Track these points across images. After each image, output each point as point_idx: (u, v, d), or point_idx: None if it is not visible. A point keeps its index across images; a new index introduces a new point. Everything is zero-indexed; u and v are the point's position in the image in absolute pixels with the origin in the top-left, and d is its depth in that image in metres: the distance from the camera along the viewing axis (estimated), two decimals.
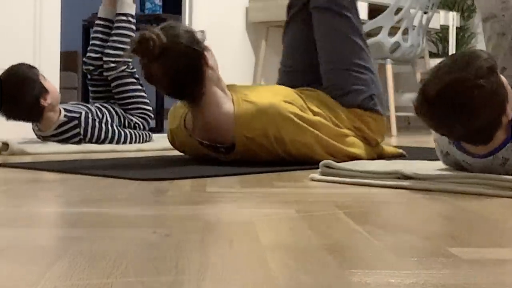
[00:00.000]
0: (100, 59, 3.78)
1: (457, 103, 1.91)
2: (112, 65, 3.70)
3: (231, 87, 2.70)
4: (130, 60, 3.73)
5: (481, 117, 1.92)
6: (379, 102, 2.89)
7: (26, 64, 3.40)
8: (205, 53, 2.54)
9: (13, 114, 3.32)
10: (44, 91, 3.32)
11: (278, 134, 2.56)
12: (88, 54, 3.83)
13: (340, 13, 2.89)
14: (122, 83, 3.70)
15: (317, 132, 2.62)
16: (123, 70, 3.70)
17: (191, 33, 2.53)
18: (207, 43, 2.58)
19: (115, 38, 3.76)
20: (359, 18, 2.95)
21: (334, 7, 2.89)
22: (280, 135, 2.56)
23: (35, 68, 3.41)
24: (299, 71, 3.00)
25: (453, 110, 1.92)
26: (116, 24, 3.81)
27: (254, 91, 2.70)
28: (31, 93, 3.29)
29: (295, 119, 2.58)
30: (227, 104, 2.60)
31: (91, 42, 3.87)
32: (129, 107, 3.70)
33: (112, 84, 3.72)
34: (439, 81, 1.93)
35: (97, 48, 3.82)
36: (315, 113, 2.70)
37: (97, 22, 3.91)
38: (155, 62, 2.47)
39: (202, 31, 2.57)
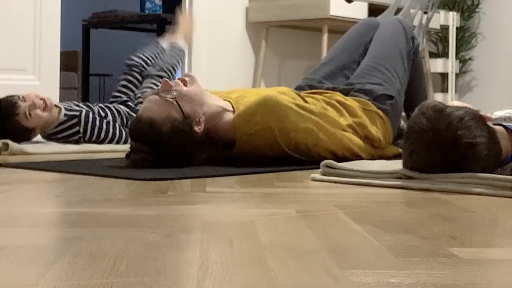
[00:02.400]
0: (144, 61, 3.87)
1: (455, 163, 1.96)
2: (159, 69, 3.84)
3: (228, 97, 2.70)
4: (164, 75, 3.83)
5: (483, 160, 1.95)
6: (394, 111, 2.94)
7: (6, 104, 3.36)
8: (193, 124, 2.50)
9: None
10: (29, 133, 3.37)
11: (281, 125, 2.56)
12: (141, 56, 3.93)
13: (407, 36, 3.15)
14: (151, 82, 3.76)
15: (317, 118, 2.63)
16: (158, 75, 3.80)
17: (175, 134, 2.46)
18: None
19: (170, 57, 3.95)
20: (415, 56, 3.20)
21: (405, 27, 3.17)
22: (283, 124, 2.56)
23: (15, 105, 3.36)
24: (337, 67, 3.16)
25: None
26: (171, 52, 3.98)
27: (251, 93, 2.71)
28: (17, 138, 3.32)
29: (295, 107, 2.59)
30: (227, 115, 2.61)
31: (148, 53, 3.98)
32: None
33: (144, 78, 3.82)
34: (430, 157, 1.99)
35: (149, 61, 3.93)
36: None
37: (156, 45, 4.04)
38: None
39: (172, 96, 2.51)
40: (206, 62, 5.17)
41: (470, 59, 6.36)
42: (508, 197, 1.85)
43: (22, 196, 1.81)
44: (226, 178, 2.25)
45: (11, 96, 3.41)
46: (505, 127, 2.09)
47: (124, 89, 3.84)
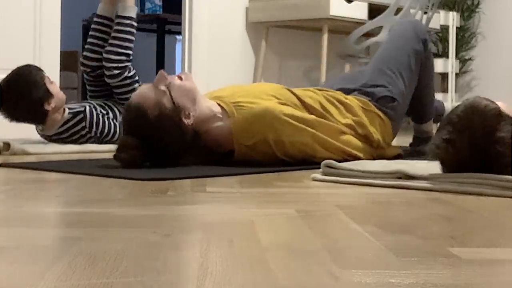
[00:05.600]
0: (98, 59, 3.73)
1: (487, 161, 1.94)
2: (116, 71, 3.63)
3: (220, 98, 2.69)
4: (129, 64, 3.69)
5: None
6: (397, 113, 2.95)
7: (33, 66, 3.42)
8: (182, 116, 2.50)
9: (16, 116, 3.35)
10: (48, 95, 3.35)
11: (277, 138, 2.56)
12: (85, 54, 3.77)
13: (418, 38, 3.11)
14: (125, 91, 3.65)
15: (313, 130, 2.63)
16: (125, 78, 3.65)
17: (164, 117, 2.46)
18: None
19: (117, 42, 3.67)
20: (426, 59, 3.16)
21: (416, 29, 3.13)
22: (280, 138, 2.57)
23: (41, 70, 3.41)
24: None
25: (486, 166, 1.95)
26: (118, 27, 3.71)
27: (246, 95, 2.68)
28: (36, 97, 3.32)
29: (291, 120, 2.58)
30: (221, 122, 2.59)
31: (88, 41, 3.78)
32: None
33: (116, 91, 3.68)
34: (459, 158, 1.97)
35: (96, 48, 3.75)
36: (309, 108, 2.72)
37: (96, 20, 3.83)
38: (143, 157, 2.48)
39: (167, 83, 2.52)
40: (206, 62, 5.17)
41: (470, 59, 6.37)
42: (508, 197, 1.85)
43: (22, 196, 1.81)
44: (226, 178, 2.25)
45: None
46: None
47: (92, 89, 3.81)
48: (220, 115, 2.61)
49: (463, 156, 1.97)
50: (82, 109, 3.49)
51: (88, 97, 3.86)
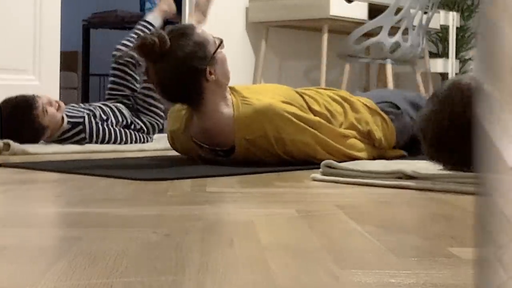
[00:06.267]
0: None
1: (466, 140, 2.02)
2: None
3: (231, 90, 2.71)
4: None
5: None
6: (400, 123, 2.95)
7: (24, 102, 3.35)
8: (209, 68, 2.56)
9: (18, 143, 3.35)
10: (42, 130, 3.35)
11: (277, 135, 2.57)
12: (123, 42, 3.87)
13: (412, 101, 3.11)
14: (148, 94, 3.71)
15: (315, 131, 2.63)
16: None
17: (199, 47, 2.55)
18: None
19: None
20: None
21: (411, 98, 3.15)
22: (280, 135, 2.57)
23: (34, 102, 3.34)
24: None
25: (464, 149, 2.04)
26: (136, 31, 3.93)
27: (254, 92, 2.71)
28: (30, 137, 3.32)
29: (294, 119, 2.59)
30: (227, 109, 2.61)
31: (130, 35, 3.93)
32: (144, 112, 3.73)
33: (140, 90, 3.76)
34: (438, 128, 2.12)
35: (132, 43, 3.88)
36: (315, 113, 2.72)
37: (142, 23, 3.99)
38: (153, 65, 2.51)
39: (220, 40, 2.62)
40: None
41: (470, 59, 6.37)
42: None
43: (22, 196, 1.81)
44: (226, 178, 2.25)
45: (23, 95, 3.42)
46: None
47: (114, 86, 3.83)
48: (229, 104, 2.63)
49: (443, 125, 2.10)
50: (81, 120, 3.47)
51: (107, 90, 3.86)
